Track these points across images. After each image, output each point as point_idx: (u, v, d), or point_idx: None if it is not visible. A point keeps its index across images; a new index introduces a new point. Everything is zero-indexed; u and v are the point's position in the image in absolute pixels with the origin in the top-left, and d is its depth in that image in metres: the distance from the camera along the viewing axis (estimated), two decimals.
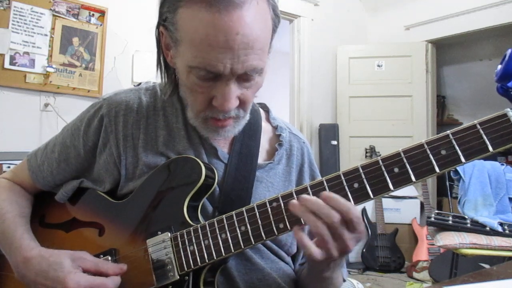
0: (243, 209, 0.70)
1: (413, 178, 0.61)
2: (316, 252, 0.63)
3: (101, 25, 2.72)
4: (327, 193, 0.63)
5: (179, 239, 0.74)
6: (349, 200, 0.64)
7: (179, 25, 0.68)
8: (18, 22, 2.42)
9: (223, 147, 0.86)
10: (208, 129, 0.77)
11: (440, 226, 2.21)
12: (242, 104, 0.74)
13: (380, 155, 0.63)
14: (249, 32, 0.65)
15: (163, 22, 0.72)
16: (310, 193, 0.66)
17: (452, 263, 2.30)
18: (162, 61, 0.80)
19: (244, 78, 0.70)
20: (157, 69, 0.81)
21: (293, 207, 0.64)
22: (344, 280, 0.86)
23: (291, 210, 0.64)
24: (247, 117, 0.80)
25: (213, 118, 0.75)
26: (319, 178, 0.72)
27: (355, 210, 0.62)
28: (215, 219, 0.72)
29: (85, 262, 0.76)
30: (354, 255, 3.58)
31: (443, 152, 0.59)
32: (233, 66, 0.66)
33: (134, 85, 2.51)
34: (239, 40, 0.64)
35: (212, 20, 0.63)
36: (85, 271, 0.75)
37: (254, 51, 0.67)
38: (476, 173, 2.48)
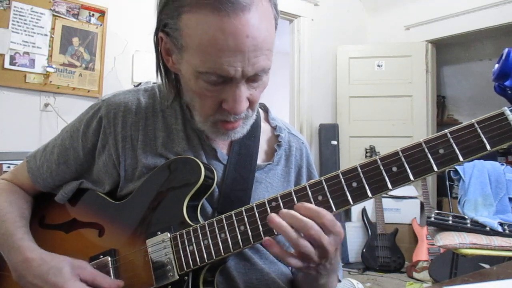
0: (242, 209, 0.70)
1: (411, 177, 0.61)
2: (296, 262, 0.65)
3: (101, 25, 2.73)
4: (298, 204, 0.65)
5: (178, 239, 0.74)
6: (347, 199, 0.64)
7: (184, 31, 0.67)
8: (18, 22, 2.42)
9: (222, 148, 0.86)
10: (218, 132, 0.77)
11: (440, 226, 2.21)
12: (251, 104, 0.74)
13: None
14: (257, 33, 0.65)
15: (163, 28, 0.71)
16: (309, 192, 0.66)
17: (452, 263, 2.30)
18: (162, 67, 0.79)
19: (252, 79, 0.70)
20: (157, 75, 0.81)
21: (271, 222, 0.65)
22: (340, 281, 0.86)
23: (269, 224, 0.66)
24: (254, 116, 0.80)
25: (223, 121, 0.75)
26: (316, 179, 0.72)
27: (327, 213, 0.63)
28: (214, 219, 0.72)
29: (84, 272, 0.76)
30: (354, 255, 3.59)
31: (441, 151, 0.59)
32: (244, 68, 0.66)
33: (134, 85, 2.50)
34: (249, 43, 0.64)
35: (220, 24, 0.63)
36: (82, 280, 0.75)
37: (262, 52, 0.67)
38: (476, 173, 2.48)
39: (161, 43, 0.75)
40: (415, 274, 3.21)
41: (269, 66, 0.70)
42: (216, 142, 0.85)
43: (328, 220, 0.63)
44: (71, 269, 0.75)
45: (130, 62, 2.88)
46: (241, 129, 0.78)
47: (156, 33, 0.75)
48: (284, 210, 0.65)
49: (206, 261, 0.71)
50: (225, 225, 0.71)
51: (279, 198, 0.68)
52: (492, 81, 0.76)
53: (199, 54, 0.66)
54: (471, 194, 2.43)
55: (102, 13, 2.73)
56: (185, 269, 0.73)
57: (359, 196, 0.63)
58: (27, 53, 2.45)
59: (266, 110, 0.97)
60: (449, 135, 0.59)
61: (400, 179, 0.61)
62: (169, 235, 0.75)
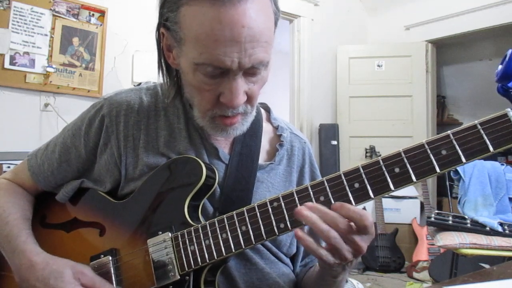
0: (244, 209, 0.70)
1: (413, 178, 0.61)
2: (328, 257, 0.63)
3: (101, 25, 2.72)
4: (339, 203, 0.62)
5: (179, 239, 0.74)
6: (349, 200, 0.64)
7: (182, 23, 0.68)
8: (18, 22, 2.42)
9: (224, 147, 0.86)
10: (216, 128, 0.77)
11: (440, 226, 2.21)
12: (249, 99, 0.74)
13: (380, 155, 0.63)
14: (254, 24, 0.65)
15: (164, 23, 0.72)
16: (311, 193, 0.66)
17: (452, 263, 2.30)
18: (163, 63, 0.79)
19: (250, 72, 0.70)
20: (159, 72, 0.81)
21: (301, 216, 0.63)
22: (347, 281, 0.86)
23: (297, 218, 0.64)
24: (254, 113, 0.80)
25: (221, 116, 0.74)
26: (319, 178, 0.72)
27: (367, 215, 0.62)
28: (215, 219, 0.72)
29: (84, 277, 0.76)
30: None
31: (444, 152, 0.59)
32: (240, 60, 0.66)
33: (134, 85, 2.50)
34: (245, 33, 0.64)
35: (217, 14, 0.63)
36: (82, 285, 0.75)
37: (260, 44, 0.67)
38: (476, 173, 2.48)
39: (162, 39, 0.75)
40: (415, 274, 3.21)
41: (267, 59, 0.70)
42: (218, 141, 0.85)
43: (369, 223, 0.61)
44: (72, 273, 0.75)
45: (130, 62, 2.88)
46: (240, 126, 0.77)
47: (158, 29, 0.75)
48: (310, 204, 0.63)
49: (207, 261, 0.71)
50: (227, 225, 0.71)
51: (281, 199, 0.68)
52: (495, 82, 0.76)
53: (197, 45, 0.67)
54: (471, 194, 2.44)
55: (102, 13, 2.72)
56: (186, 269, 0.73)
57: (361, 196, 0.63)
58: (27, 53, 2.45)
59: (268, 110, 0.97)
60: (451, 136, 0.59)
61: (402, 180, 0.61)
62: (170, 234, 0.75)
